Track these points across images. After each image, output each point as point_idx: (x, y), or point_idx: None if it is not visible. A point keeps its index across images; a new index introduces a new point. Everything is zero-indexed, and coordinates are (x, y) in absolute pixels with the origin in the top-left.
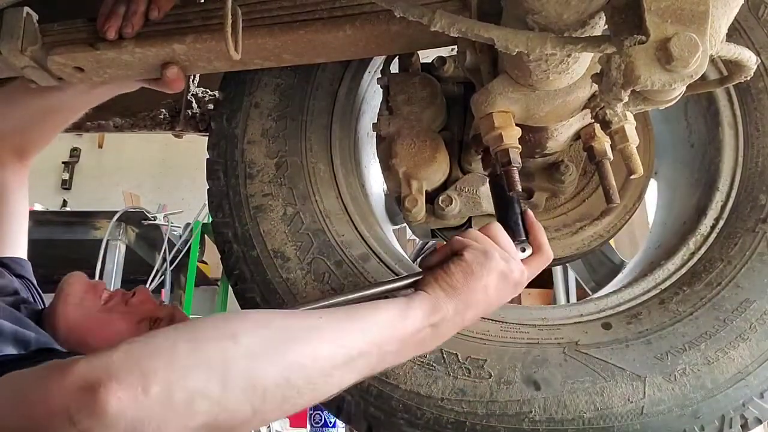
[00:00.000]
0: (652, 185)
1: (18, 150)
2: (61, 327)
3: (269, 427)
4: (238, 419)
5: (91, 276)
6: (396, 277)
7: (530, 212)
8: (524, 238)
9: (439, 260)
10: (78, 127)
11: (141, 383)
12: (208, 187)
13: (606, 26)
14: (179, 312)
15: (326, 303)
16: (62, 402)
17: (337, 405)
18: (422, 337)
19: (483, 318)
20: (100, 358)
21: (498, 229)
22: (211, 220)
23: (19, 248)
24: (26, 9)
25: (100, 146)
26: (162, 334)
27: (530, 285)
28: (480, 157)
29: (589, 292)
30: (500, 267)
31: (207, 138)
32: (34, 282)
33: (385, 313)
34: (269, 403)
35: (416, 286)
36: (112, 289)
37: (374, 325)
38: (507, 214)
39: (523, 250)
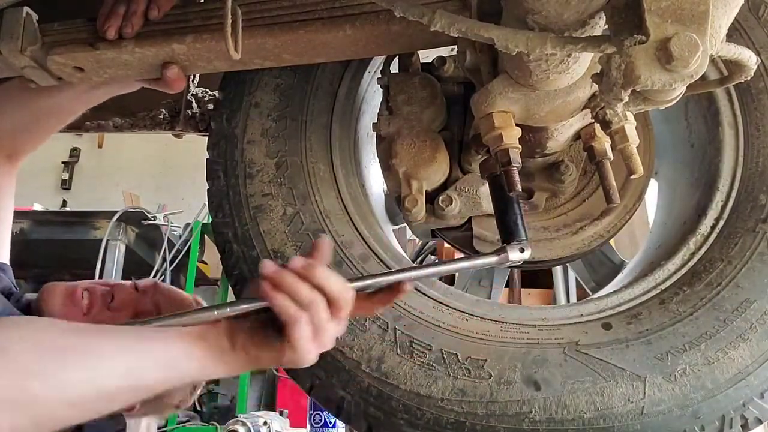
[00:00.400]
0: (653, 185)
1: (9, 151)
2: None
3: (269, 427)
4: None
5: (91, 276)
6: (238, 300)
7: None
8: (524, 238)
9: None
10: (78, 127)
11: None
12: (208, 187)
13: (606, 26)
14: (160, 293)
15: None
16: None
17: (337, 405)
18: (188, 378)
19: (483, 318)
20: None
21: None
22: (211, 220)
23: (4, 252)
24: (26, 9)
25: (100, 146)
26: None
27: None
28: (480, 157)
29: (589, 292)
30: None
31: (207, 138)
32: (14, 291)
33: (170, 350)
34: (39, 416)
35: (221, 322)
36: (97, 284)
37: (151, 361)
38: (507, 214)
39: (522, 251)
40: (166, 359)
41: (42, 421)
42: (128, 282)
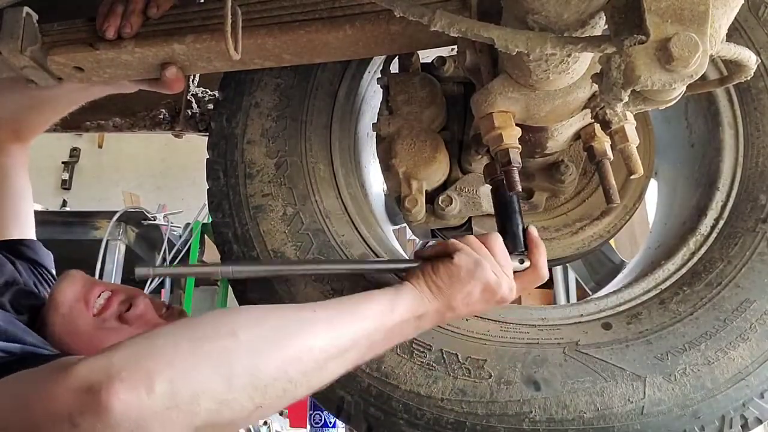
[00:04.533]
0: (653, 185)
1: (16, 133)
2: (49, 336)
3: (269, 427)
4: (240, 415)
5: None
6: (391, 259)
7: (533, 230)
8: (523, 250)
9: (432, 255)
10: (78, 127)
11: (144, 383)
12: (207, 187)
13: (606, 26)
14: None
15: (322, 267)
16: (63, 404)
17: (337, 405)
18: (405, 328)
19: (483, 318)
20: (101, 359)
21: (496, 240)
22: (211, 220)
23: (27, 228)
24: (26, 9)
25: (100, 146)
26: (162, 333)
27: None
28: (480, 157)
29: (589, 292)
30: (488, 279)
31: (207, 138)
32: (47, 265)
33: (375, 305)
34: (269, 397)
35: (406, 276)
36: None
37: (364, 317)
38: (508, 224)
39: (522, 262)
40: (381, 309)
41: (269, 400)
42: (160, 301)
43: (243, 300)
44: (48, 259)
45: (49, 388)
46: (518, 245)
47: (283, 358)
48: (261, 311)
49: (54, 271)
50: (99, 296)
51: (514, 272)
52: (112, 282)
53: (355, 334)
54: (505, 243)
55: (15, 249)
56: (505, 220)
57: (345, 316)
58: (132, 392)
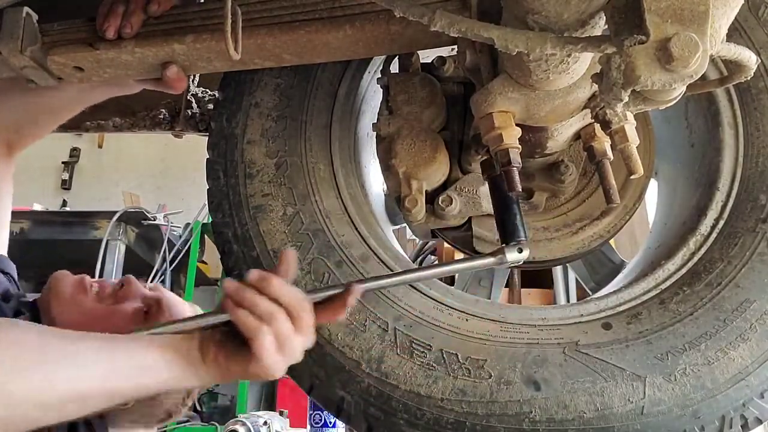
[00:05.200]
0: (653, 185)
1: (7, 144)
2: (59, 323)
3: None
4: None
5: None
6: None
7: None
8: (523, 238)
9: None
10: (78, 127)
11: None
12: (207, 187)
13: (606, 26)
14: (166, 298)
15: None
16: None
17: (337, 405)
18: (167, 387)
19: (483, 318)
20: None
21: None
22: (211, 220)
23: (2, 245)
24: (26, 9)
25: (100, 146)
26: None
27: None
28: (480, 157)
29: (589, 293)
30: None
31: (207, 138)
32: (15, 277)
33: (145, 358)
34: (11, 416)
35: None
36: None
37: (126, 368)
38: (506, 214)
39: (520, 251)
40: (141, 366)
41: (15, 420)
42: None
43: None
44: (13, 271)
45: None
46: (518, 234)
47: (30, 385)
48: (22, 332)
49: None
50: (91, 285)
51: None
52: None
53: (107, 384)
54: (505, 234)
55: None
56: (503, 212)
57: (110, 359)
58: None
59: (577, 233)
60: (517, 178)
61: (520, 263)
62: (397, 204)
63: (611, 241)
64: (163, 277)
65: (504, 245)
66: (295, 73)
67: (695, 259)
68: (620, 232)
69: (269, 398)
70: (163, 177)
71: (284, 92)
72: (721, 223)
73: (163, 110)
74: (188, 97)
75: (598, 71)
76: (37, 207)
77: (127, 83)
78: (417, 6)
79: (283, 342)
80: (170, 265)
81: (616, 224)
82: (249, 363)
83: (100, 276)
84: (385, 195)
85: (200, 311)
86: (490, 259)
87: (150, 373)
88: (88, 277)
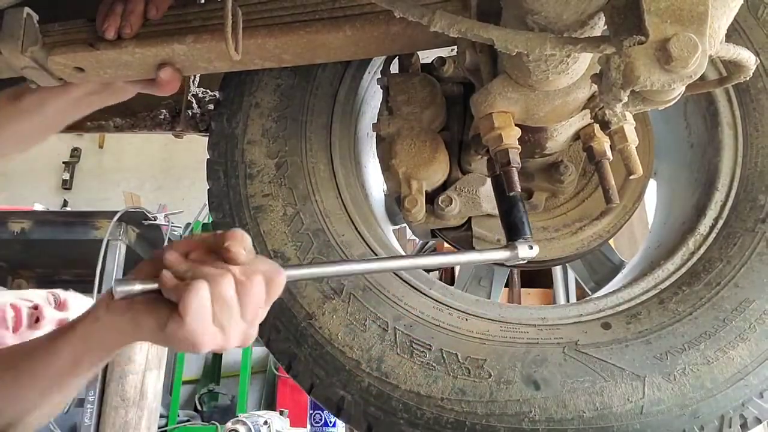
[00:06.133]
0: (652, 185)
1: None
2: None
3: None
4: None
5: (92, 276)
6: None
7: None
8: (529, 236)
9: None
10: (78, 128)
11: None
12: (208, 187)
13: (605, 27)
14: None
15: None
16: None
17: (337, 405)
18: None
19: (483, 318)
20: None
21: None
22: (211, 220)
23: None
24: (27, 9)
25: (101, 146)
26: None
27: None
28: (480, 157)
29: (589, 292)
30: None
31: (207, 138)
32: None
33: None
34: None
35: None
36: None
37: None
38: (512, 212)
39: (531, 248)
40: (72, 357)
41: None
42: (45, 292)
43: None
44: None
45: None
46: (523, 231)
47: None
48: None
49: None
50: (6, 314)
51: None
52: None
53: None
54: (510, 231)
55: None
56: (509, 209)
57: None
58: None
59: (576, 233)
60: (516, 178)
61: (527, 261)
62: (397, 204)
63: (611, 241)
64: None
65: (515, 241)
66: (296, 73)
67: (694, 259)
68: (620, 232)
69: (269, 398)
70: (164, 177)
71: (285, 92)
72: (720, 223)
73: (164, 110)
74: (189, 98)
75: (598, 72)
76: (38, 207)
77: (120, 89)
78: (417, 7)
79: (221, 308)
80: None
81: (616, 224)
82: (169, 319)
83: (101, 276)
84: (385, 195)
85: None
86: (504, 254)
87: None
88: (8, 307)
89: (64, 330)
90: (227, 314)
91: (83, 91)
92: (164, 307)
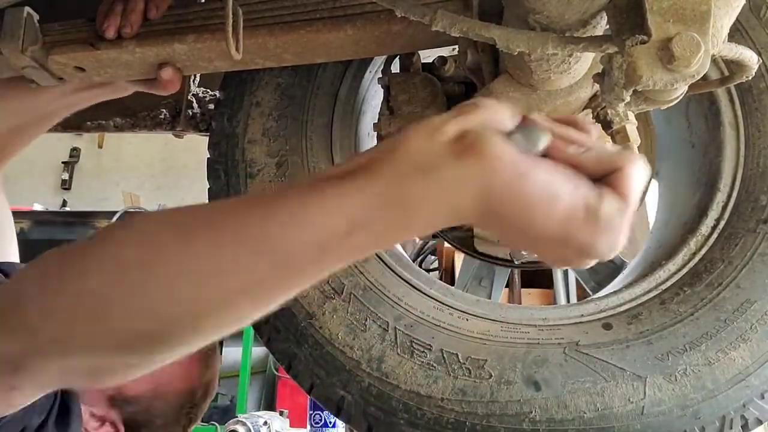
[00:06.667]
0: (653, 185)
1: None
2: None
3: (269, 426)
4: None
5: None
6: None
7: None
8: None
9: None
10: (78, 127)
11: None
12: (208, 186)
13: (608, 26)
14: None
15: None
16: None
17: (337, 405)
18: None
19: (483, 318)
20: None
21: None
22: None
23: (8, 256)
24: (27, 9)
25: (100, 146)
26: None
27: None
28: None
29: (590, 293)
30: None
31: (207, 138)
32: None
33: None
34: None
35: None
36: None
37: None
38: None
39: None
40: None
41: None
42: None
43: None
44: None
45: None
46: None
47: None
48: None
49: None
50: None
51: None
52: None
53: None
54: None
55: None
56: None
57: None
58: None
59: None
60: None
61: (522, 263)
62: None
63: None
64: None
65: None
66: (296, 72)
67: (696, 259)
68: None
69: (269, 398)
70: (164, 177)
71: (285, 92)
72: (722, 223)
73: (164, 110)
74: (189, 97)
75: (600, 71)
76: (38, 207)
77: (119, 86)
78: (418, 6)
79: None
80: None
81: None
82: (598, 211)
83: None
84: None
85: None
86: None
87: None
88: None
89: (334, 179)
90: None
91: (79, 84)
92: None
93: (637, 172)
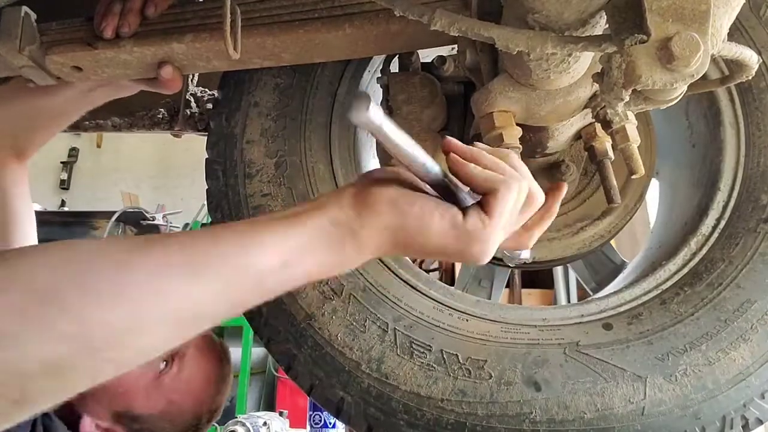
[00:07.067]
0: (654, 185)
1: (14, 149)
2: None
3: (269, 427)
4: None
5: None
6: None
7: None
8: None
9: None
10: (76, 127)
11: None
12: (206, 186)
13: (607, 25)
14: None
15: None
16: None
17: (336, 406)
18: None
19: (483, 319)
20: None
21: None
22: (210, 220)
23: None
24: (24, 8)
25: (99, 146)
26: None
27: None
28: None
29: (590, 293)
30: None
31: (206, 138)
32: None
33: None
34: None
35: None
36: None
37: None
38: None
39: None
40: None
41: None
42: None
43: None
44: None
45: None
46: None
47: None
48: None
49: None
50: None
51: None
52: None
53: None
54: None
55: None
56: None
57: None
58: None
59: (577, 233)
60: None
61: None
62: None
63: (612, 241)
64: None
65: None
66: (295, 72)
67: (696, 259)
68: (621, 233)
69: (269, 399)
70: (162, 177)
71: (284, 92)
72: (723, 223)
73: (162, 110)
74: (187, 97)
75: (599, 71)
76: (36, 207)
77: (125, 85)
78: (417, 5)
79: (511, 217)
80: None
81: (617, 224)
82: (462, 226)
83: None
84: None
85: None
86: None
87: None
88: None
89: (275, 219)
90: (513, 221)
91: (94, 83)
92: (443, 203)
93: (509, 196)
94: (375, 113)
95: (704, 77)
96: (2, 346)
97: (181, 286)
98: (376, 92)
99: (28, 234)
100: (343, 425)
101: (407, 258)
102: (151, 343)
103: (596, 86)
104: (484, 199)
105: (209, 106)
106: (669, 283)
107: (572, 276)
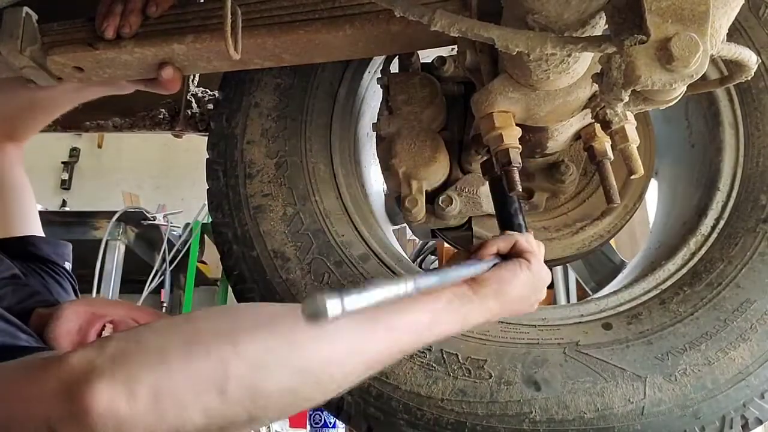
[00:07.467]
0: (653, 185)
1: (9, 134)
2: None
3: (269, 427)
4: (233, 426)
5: (91, 276)
6: (460, 264)
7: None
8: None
9: (505, 252)
10: (77, 127)
11: (126, 387)
12: (207, 187)
13: (606, 26)
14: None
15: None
16: (42, 407)
17: (337, 405)
18: (446, 333)
19: None
20: (83, 358)
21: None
22: (210, 220)
23: (31, 224)
24: (25, 9)
25: (100, 146)
26: (154, 332)
27: None
28: (480, 157)
29: (590, 293)
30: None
31: (206, 138)
32: (56, 260)
33: (416, 315)
34: (271, 410)
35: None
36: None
37: (400, 331)
38: (508, 214)
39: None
40: (428, 326)
41: (296, 405)
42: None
43: (243, 300)
44: (57, 254)
45: (29, 385)
46: (522, 232)
47: (290, 372)
48: (268, 313)
49: (68, 265)
50: (100, 332)
51: None
52: (111, 291)
53: (383, 349)
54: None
55: (16, 248)
56: (505, 212)
57: (376, 329)
58: (112, 397)
59: (577, 233)
60: (517, 178)
61: None
62: (397, 204)
63: (612, 241)
64: (162, 277)
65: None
66: (295, 73)
67: (696, 259)
68: (621, 232)
69: None
70: (163, 177)
71: (284, 92)
72: (722, 223)
73: (163, 110)
74: (188, 97)
75: (599, 71)
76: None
77: (122, 84)
78: (417, 6)
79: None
80: (170, 265)
81: (617, 224)
82: (522, 295)
83: (100, 276)
84: (385, 195)
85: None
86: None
87: (438, 326)
88: (97, 323)
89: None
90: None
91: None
92: (508, 283)
93: (526, 238)
94: (332, 306)
95: (703, 78)
96: (260, 378)
97: (380, 345)
98: (377, 92)
99: (25, 207)
100: (343, 425)
101: (407, 258)
102: (342, 387)
103: (596, 87)
104: (515, 249)
105: (210, 106)
106: (668, 283)
107: (572, 276)
